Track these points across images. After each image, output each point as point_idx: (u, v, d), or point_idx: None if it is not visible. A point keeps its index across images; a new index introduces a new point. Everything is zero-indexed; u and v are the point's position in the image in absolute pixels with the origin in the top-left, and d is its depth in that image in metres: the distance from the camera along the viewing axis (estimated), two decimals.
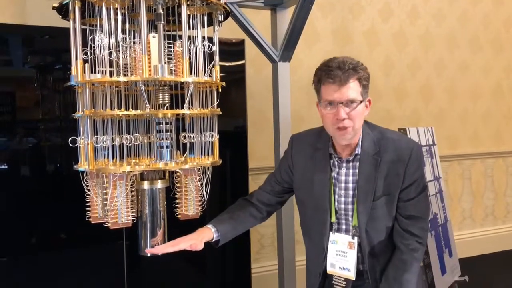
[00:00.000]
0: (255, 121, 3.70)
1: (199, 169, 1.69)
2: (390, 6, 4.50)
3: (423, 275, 2.91)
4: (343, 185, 1.81)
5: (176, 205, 1.74)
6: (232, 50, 3.19)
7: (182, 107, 1.60)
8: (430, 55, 4.74)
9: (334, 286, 1.83)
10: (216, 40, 1.68)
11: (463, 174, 5.03)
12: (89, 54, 1.58)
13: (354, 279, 1.80)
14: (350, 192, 1.79)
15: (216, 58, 1.67)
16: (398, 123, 4.14)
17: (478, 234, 5.11)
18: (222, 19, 1.71)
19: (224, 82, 1.70)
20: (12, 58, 2.65)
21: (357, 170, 1.78)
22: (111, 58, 1.52)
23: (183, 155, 1.72)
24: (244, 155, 3.25)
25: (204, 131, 1.68)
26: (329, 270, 1.84)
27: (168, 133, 1.61)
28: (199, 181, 1.69)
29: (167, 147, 1.61)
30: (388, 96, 4.52)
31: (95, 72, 1.57)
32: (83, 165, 1.58)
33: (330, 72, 1.66)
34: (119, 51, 1.53)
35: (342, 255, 1.81)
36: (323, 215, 1.82)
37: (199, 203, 1.72)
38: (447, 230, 3.41)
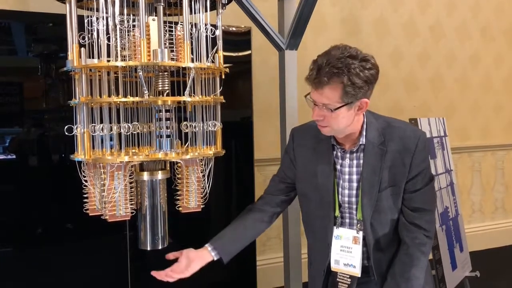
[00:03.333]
0: (261, 112, 3.64)
1: (201, 159, 1.62)
2: None
3: (432, 270, 2.85)
4: (346, 177, 1.73)
5: (177, 197, 1.67)
6: (238, 40, 3.14)
7: (184, 95, 1.53)
8: (440, 45, 4.64)
9: (339, 283, 1.76)
10: (219, 24, 1.60)
11: (473, 166, 4.95)
12: (86, 38, 1.51)
13: (359, 275, 1.73)
14: (354, 184, 1.72)
15: (219, 43, 1.60)
16: (407, 114, 4.06)
17: (488, 227, 5.04)
18: (226, 2, 1.63)
19: (227, 69, 1.62)
20: (16, 45, 2.63)
21: (361, 161, 1.70)
22: (110, 43, 1.45)
23: (185, 145, 1.65)
24: (250, 146, 3.22)
25: (206, 120, 1.61)
26: (333, 267, 1.77)
27: (168, 121, 1.55)
28: (201, 172, 1.62)
29: (167, 136, 1.54)
30: (397, 87, 4.44)
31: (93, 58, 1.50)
32: (79, 155, 1.52)
33: (309, 70, 1.58)
34: (116, 35, 1.45)
35: (346, 251, 1.73)
36: (327, 208, 1.75)
37: (201, 195, 1.65)
38: (458, 224, 3.34)
